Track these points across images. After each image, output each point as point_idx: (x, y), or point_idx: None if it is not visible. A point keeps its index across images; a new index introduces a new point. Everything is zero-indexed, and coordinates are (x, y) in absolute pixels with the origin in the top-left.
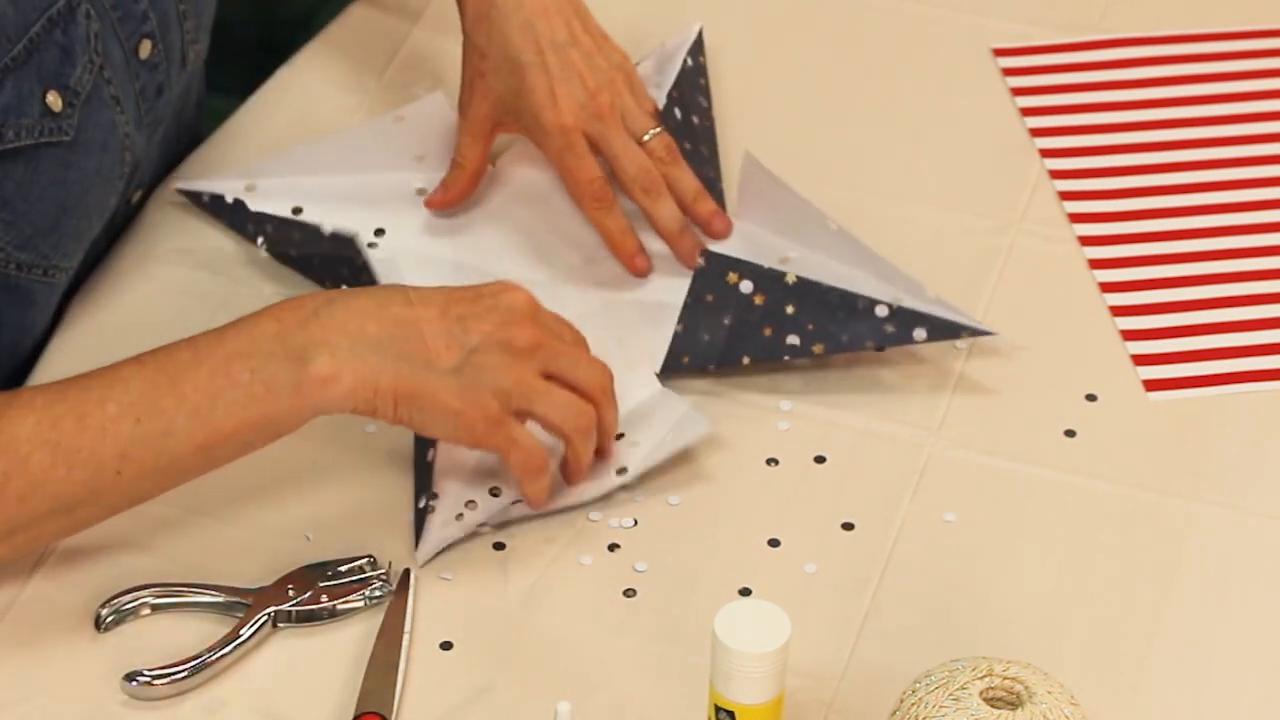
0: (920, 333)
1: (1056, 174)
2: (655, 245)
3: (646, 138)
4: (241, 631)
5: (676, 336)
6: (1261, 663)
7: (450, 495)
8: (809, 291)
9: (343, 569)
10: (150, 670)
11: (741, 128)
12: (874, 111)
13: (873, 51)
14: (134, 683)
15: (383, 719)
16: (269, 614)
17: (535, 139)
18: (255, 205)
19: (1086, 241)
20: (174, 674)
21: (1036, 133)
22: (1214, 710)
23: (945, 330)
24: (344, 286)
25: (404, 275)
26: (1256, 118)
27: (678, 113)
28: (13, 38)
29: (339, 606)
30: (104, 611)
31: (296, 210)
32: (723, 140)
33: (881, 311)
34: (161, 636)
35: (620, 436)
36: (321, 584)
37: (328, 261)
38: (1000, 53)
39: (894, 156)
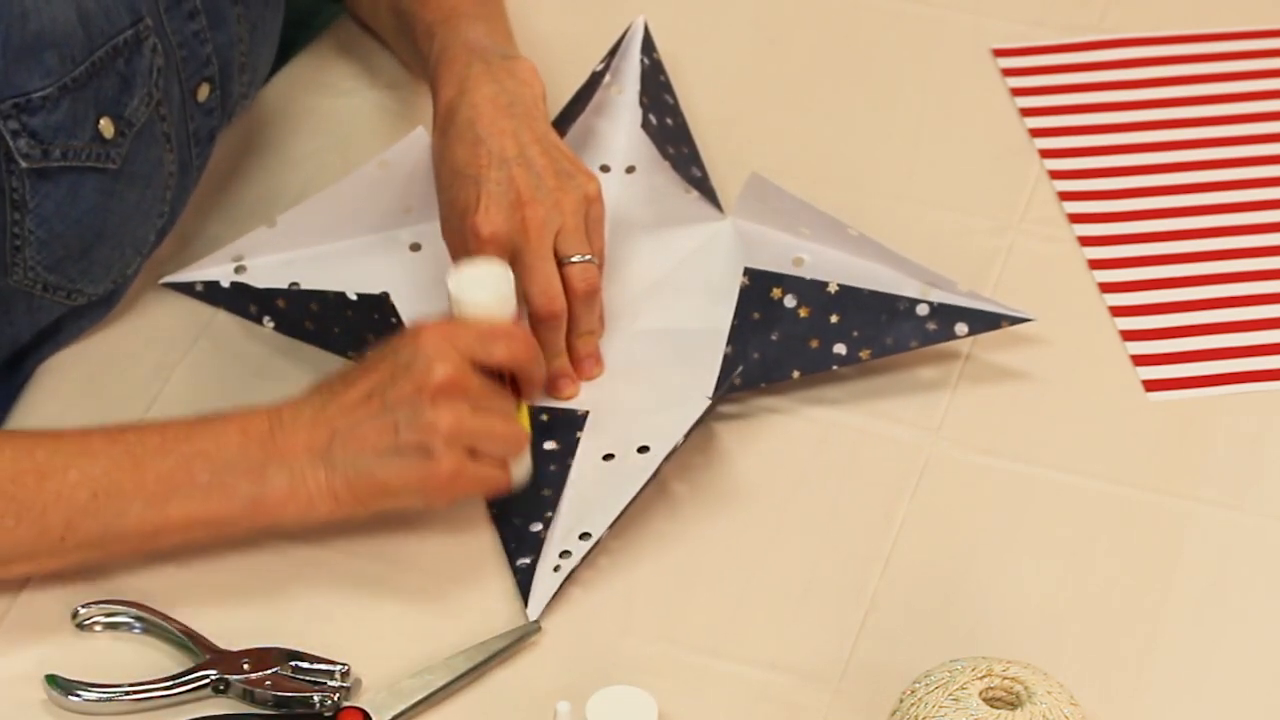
0: (962, 327)
1: (1056, 174)
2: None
3: (574, 259)
4: (179, 681)
5: (727, 358)
6: (1261, 663)
7: (548, 550)
8: (850, 298)
9: (308, 665)
10: (72, 681)
11: (741, 128)
12: (874, 111)
13: (873, 51)
14: (54, 688)
15: (365, 715)
16: (215, 676)
17: (458, 249)
18: (251, 284)
19: (1086, 242)
20: (99, 694)
21: (1036, 133)
22: (1214, 710)
23: (985, 322)
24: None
25: None
26: (1257, 118)
27: (653, 119)
28: (77, 59)
29: (280, 697)
30: (82, 611)
31: (293, 285)
32: (723, 141)
33: (922, 310)
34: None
35: (645, 450)
36: (279, 670)
37: (351, 329)
38: (1000, 53)
39: (894, 156)
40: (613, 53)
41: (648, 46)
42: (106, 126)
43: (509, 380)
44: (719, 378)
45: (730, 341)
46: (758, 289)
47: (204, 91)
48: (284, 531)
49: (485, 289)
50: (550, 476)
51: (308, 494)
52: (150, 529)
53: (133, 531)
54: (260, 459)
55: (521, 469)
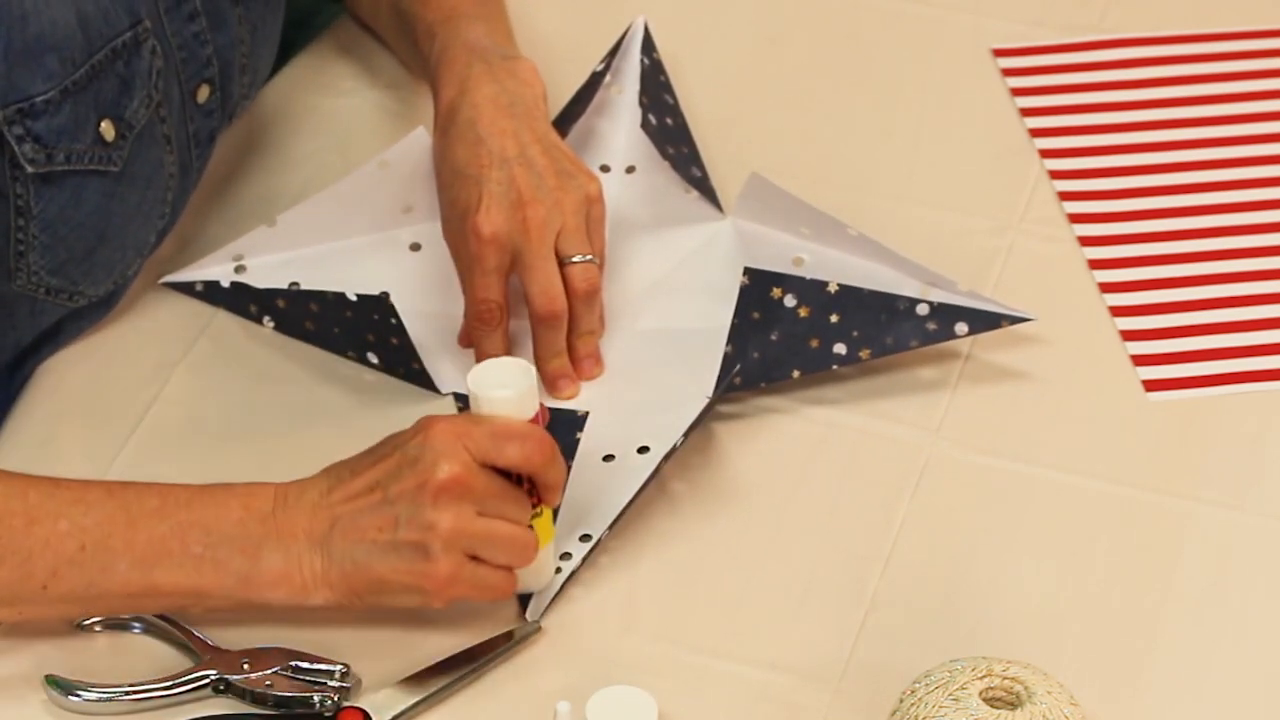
0: (962, 327)
1: (1056, 174)
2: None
3: (574, 259)
4: (179, 681)
5: (727, 357)
6: (1261, 662)
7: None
8: (850, 298)
9: (308, 665)
10: (72, 681)
11: (741, 128)
12: (874, 111)
13: (873, 52)
14: (54, 688)
15: (365, 715)
16: (215, 676)
17: (458, 250)
18: (251, 284)
19: (1086, 242)
20: (99, 694)
21: (1036, 133)
22: (1213, 710)
23: (985, 322)
24: (369, 354)
25: (419, 337)
26: (1257, 118)
27: (653, 119)
28: (77, 62)
29: (280, 697)
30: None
31: (293, 285)
32: (723, 141)
33: (923, 310)
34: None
35: (645, 450)
36: (279, 670)
37: (351, 329)
38: (1000, 53)
39: (894, 156)
40: (613, 53)
41: (648, 46)
42: (107, 129)
43: (527, 483)
44: (718, 377)
45: (730, 341)
46: (758, 289)
47: (204, 93)
48: (273, 612)
49: (504, 386)
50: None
51: (302, 579)
52: (135, 590)
53: (117, 591)
54: (258, 536)
55: (536, 575)
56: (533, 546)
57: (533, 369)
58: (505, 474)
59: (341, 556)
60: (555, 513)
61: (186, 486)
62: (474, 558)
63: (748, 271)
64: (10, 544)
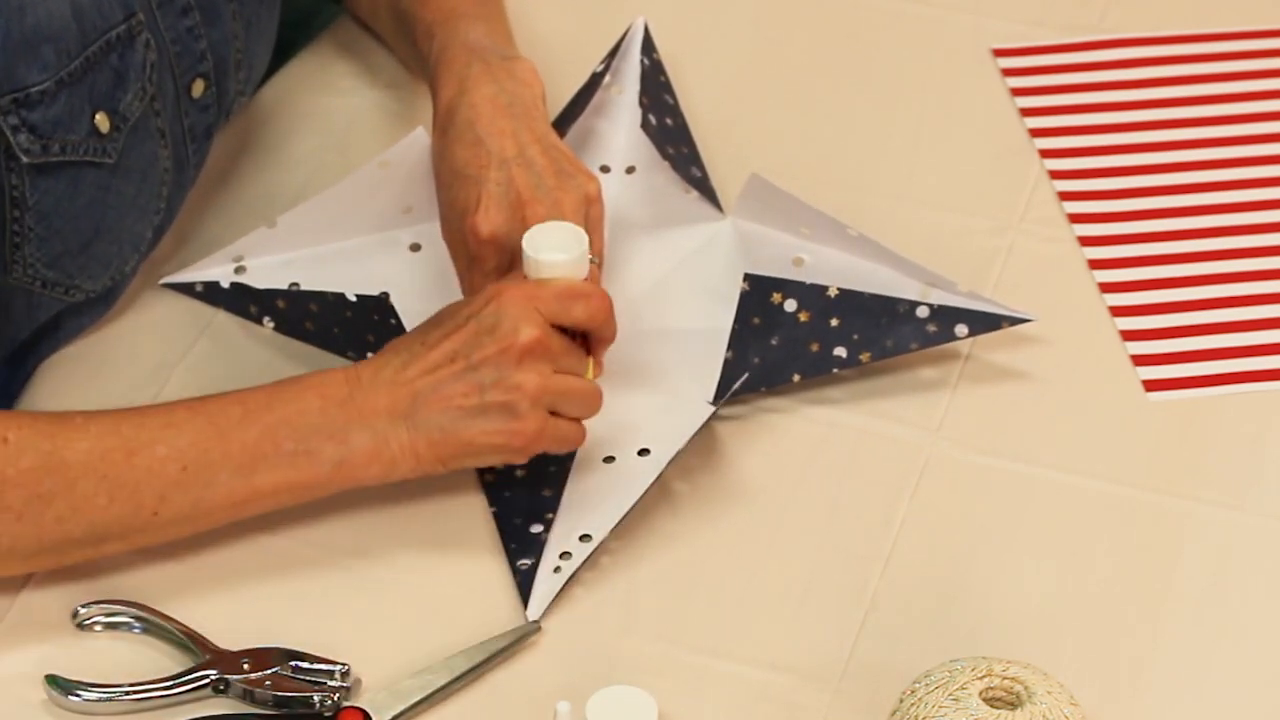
0: (962, 329)
1: (1056, 174)
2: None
3: None
4: (179, 681)
5: (728, 362)
6: (1261, 662)
7: (548, 552)
8: (851, 302)
9: (308, 665)
10: (72, 681)
11: (741, 128)
12: (874, 111)
13: (873, 52)
14: (54, 688)
15: (365, 715)
16: (215, 676)
17: (458, 250)
18: (251, 285)
19: (1086, 242)
20: (99, 694)
21: (1036, 133)
22: (1213, 710)
23: (985, 323)
24: (369, 355)
25: None
26: (1257, 118)
27: (653, 119)
28: (72, 53)
29: (280, 697)
30: (82, 611)
31: (293, 286)
32: (723, 141)
33: (923, 312)
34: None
35: (645, 452)
36: (279, 670)
37: (351, 329)
38: (1000, 53)
39: (894, 156)
40: (613, 53)
41: (648, 47)
42: (102, 121)
43: (580, 338)
44: (720, 384)
45: (730, 346)
46: (758, 294)
47: (199, 87)
48: (366, 489)
49: (560, 249)
50: (550, 477)
51: (390, 455)
52: (240, 499)
53: (222, 503)
54: (342, 421)
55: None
56: (599, 398)
57: (583, 232)
58: (564, 331)
59: (429, 426)
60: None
61: (261, 389)
62: (552, 413)
63: (748, 278)
64: (117, 479)
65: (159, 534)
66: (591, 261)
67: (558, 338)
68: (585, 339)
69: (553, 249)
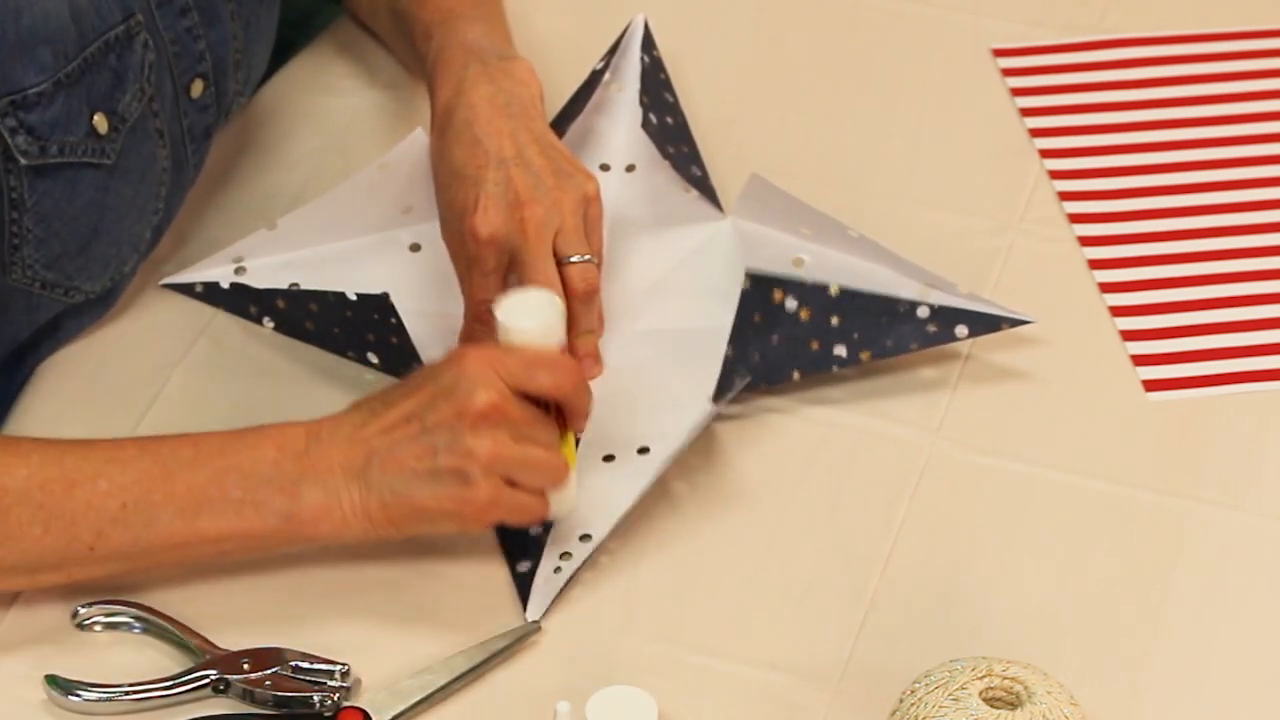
0: (962, 329)
1: (1056, 174)
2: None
3: (573, 259)
4: (179, 681)
5: (728, 360)
6: (1261, 662)
7: (548, 553)
8: (851, 301)
9: (308, 665)
10: (72, 681)
11: (741, 128)
12: (874, 111)
13: (873, 52)
14: (54, 688)
15: (365, 715)
16: (215, 676)
17: (456, 251)
18: (251, 285)
19: (1086, 242)
20: (99, 694)
21: (1036, 133)
22: (1213, 710)
23: (985, 324)
24: (369, 354)
25: (419, 336)
26: (1256, 118)
27: (653, 118)
28: (70, 55)
29: (280, 697)
30: (82, 611)
31: (293, 286)
32: (723, 141)
33: (923, 313)
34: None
35: (645, 451)
36: (279, 670)
37: (351, 329)
38: (1000, 53)
39: (894, 157)
40: (613, 50)
41: (648, 44)
42: (100, 122)
43: (554, 409)
44: (720, 382)
45: (731, 344)
46: (758, 292)
47: (198, 88)
48: (317, 548)
49: (533, 317)
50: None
51: (342, 513)
52: (181, 541)
53: (162, 543)
54: (295, 475)
55: (564, 499)
56: (565, 469)
57: (559, 300)
58: (534, 400)
59: (381, 487)
60: (577, 440)
61: (218, 434)
62: (510, 483)
63: (749, 275)
64: (53, 509)
65: (97, 569)
66: (591, 262)
67: (520, 406)
68: (560, 410)
69: (524, 315)
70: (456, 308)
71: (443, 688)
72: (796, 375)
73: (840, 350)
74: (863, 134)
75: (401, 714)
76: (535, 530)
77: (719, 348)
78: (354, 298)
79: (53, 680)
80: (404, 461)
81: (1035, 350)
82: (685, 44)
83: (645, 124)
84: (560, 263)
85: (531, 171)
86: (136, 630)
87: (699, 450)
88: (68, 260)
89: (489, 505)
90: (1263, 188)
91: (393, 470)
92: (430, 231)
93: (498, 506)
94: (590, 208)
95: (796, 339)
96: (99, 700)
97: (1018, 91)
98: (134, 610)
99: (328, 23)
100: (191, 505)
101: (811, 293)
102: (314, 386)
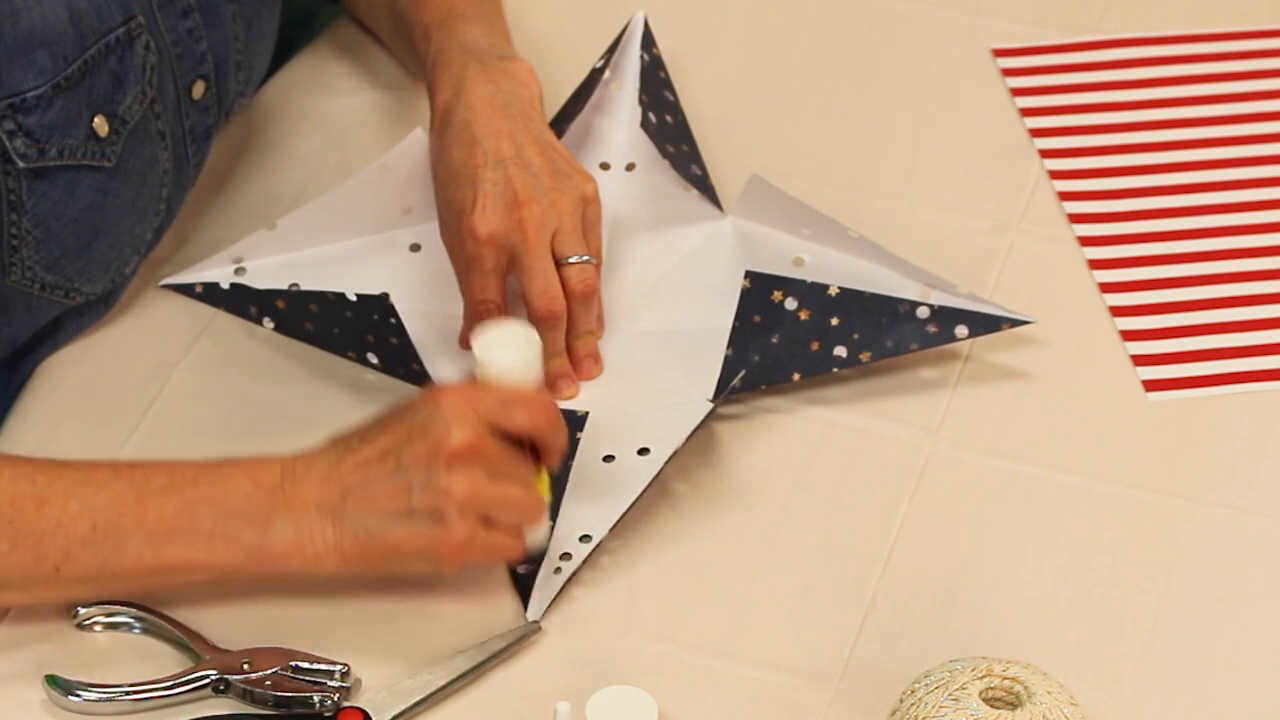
0: (962, 330)
1: (1056, 174)
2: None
3: (571, 259)
4: (179, 681)
5: (727, 359)
6: (1261, 662)
7: (549, 553)
8: (851, 301)
9: (308, 665)
10: (72, 681)
11: (741, 128)
12: (874, 111)
13: (873, 52)
14: (54, 688)
15: (365, 715)
16: (215, 676)
17: (456, 251)
18: (251, 285)
19: (1086, 242)
20: (99, 694)
21: (1036, 133)
22: (1213, 710)
23: (985, 324)
24: (369, 355)
25: (419, 337)
26: (1256, 118)
27: (652, 117)
28: (69, 58)
29: (280, 697)
30: (82, 611)
31: (293, 286)
32: (723, 141)
33: (923, 313)
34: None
35: (645, 451)
36: (279, 670)
37: (351, 329)
38: (1000, 53)
39: (894, 156)
40: (612, 48)
41: (647, 42)
42: (101, 124)
43: (529, 446)
44: (719, 380)
45: (730, 344)
46: (759, 292)
47: (199, 89)
48: (287, 584)
49: (510, 352)
50: (551, 479)
51: (314, 549)
52: (148, 569)
53: (129, 570)
54: (267, 509)
55: (537, 536)
56: (541, 507)
57: (535, 334)
58: (510, 437)
59: (354, 525)
60: (552, 479)
61: (193, 463)
62: (485, 521)
63: (749, 275)
64: (22, 527)
65: (63, 591)
66: (590, 262)
67: (496, 443)
68: (535, 448)
69: (500, 348)
70: (456, 308)
71: (443, 688)
72: (797, 376)
73: (840, 351)
74: (863, 134)
75: (401, 714)
76: None
77: (719, 348)
78: (354, 298)
79: (53, 680)
80: (378, 500)
81: (1035, 350)
82: (685, 43)
83: (645, 123)
84: (559, 263)
85: (530, 172)
86: (136, 630)
87: (699, 450)
88: (68, 262)
89: (464, 545)
90: (1263, 188)
91: (366, 508)
92: (430, 232)
93: (472, 547)
94: (589, 208)
95: (796, 339)
96: (99, 700)
97: (1018, 91)
98: (134, 610)
99: (328, 23)
100: (161, 533)
101: (811, 293)
102: (314, 386)
